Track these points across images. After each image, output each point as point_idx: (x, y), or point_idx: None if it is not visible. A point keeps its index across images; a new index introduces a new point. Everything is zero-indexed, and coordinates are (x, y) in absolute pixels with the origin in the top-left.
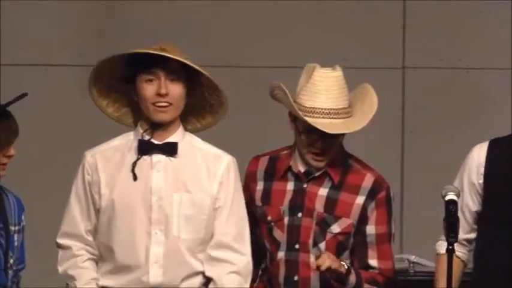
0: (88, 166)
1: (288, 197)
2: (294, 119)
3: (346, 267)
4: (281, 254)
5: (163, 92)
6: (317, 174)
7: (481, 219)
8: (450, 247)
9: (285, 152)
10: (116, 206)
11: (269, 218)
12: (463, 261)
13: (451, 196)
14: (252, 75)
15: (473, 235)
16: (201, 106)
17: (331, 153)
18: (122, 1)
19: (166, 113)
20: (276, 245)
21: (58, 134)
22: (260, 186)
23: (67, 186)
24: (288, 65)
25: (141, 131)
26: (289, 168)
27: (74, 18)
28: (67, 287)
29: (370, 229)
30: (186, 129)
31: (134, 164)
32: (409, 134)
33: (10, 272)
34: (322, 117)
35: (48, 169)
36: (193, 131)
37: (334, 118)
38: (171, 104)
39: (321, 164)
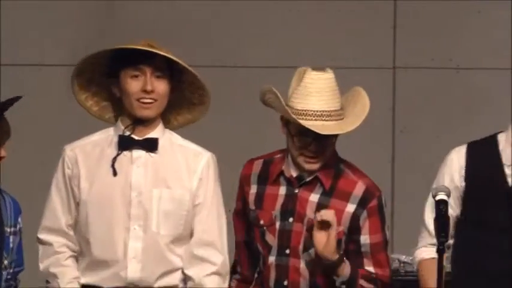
0: (68, 160)
1: (279, 202)
2: (286, 122)
3: (338, 255)
4: (272, 259)
5: (149, 89)
6: (308, 179)
7: (460, 222)
8: (441, 247)
9: (279, 155)
10: (95, 200)
11: (261, 222)
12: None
13: (441, 196)
14: (244, 75)
15: (451, 241)
16: (178, 104)
17: (324, 155)
18: (120, 1)
19: (150, 109)
20: (268, 249)
21: (57, 134)
22: (253, 189)
23: None
24: (278, 65)
25: (122, 126)
26: (282, 173)
27: (72, 18)
28: (47, 284)
29: (365, 239)
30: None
31: (114, 160)
32: (400, 134)
33: (4, 273)
34: (315, 120)
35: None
36: (171, 129)
37: (327, 120)
38: (155, 101)
39: (314, 167)
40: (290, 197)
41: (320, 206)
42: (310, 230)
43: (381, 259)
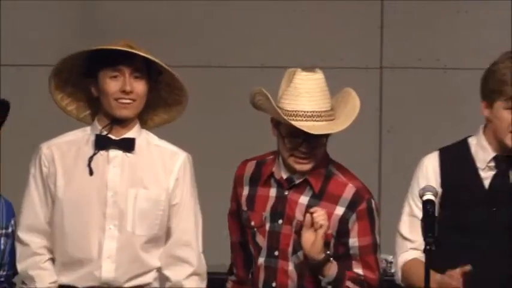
0: (45, 158)
1: (270, 203)
2: (277, 124)
3: (324, 254)
4: (261, 260)
5: (128, 89)
6: (297, 181)
7: (439, 226)
8: (428, 247)
9: (271, 157)
10: (70, 199)
11: (252, 223)
12: None
13: (428, 196)
14: (231, 75)
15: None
16: (155, 104)
17: (315, 156)
18: (101, 1)
19: (128, 109)
20: (258, 250)
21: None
22: (246, 191)
23: None
24: (265, 65)
25: (99, 126)
26: (272, 175)
27: (56, 18)
28: (22, 285)
29: (353, 242)
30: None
31: (91, 159)
32: (387, 134)
33: None
34: (305, 120)
35: None
36: (147, 129)
37: (317, 120)
38: (134, 101)
39: (305, 168)
40: (280, 199)
41: (309, 209)
42: (299, 232)
43: (370, 261)
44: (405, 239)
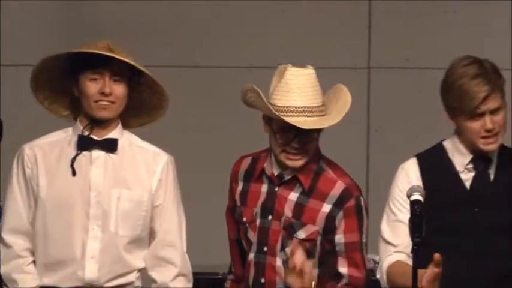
0: (27, 159)
1: (261, 199)
2: (268, 120)
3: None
4: (251, 256)
5: (107, 92)
6: (287, 178)
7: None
8: (415, 247)
9: (265, 153)
10: (53, 200)
11: (244, 218)
12: None
13: (416, 196)
14: (219, 76)
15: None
16: (137, 105)
17: (307, 152)
18: (89, 1)
19: (107, 110)
20: (249, 246)
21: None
22: (240, 186)
23: None
24: (253, 65)
25: (81, 126)
26: (264, 170)
27: (41, 18)
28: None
29: (339, 238)
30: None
31: (73, 159)
32: (375, 133)
33: None
34: (297, 116)
35: None
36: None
37: (308, 116)
38: (113, 103)
39: (297, 164)
40: (270, 195)
41: (298, 205)
42: (286, 228)
43: (356, 259)
44: (388, 243)
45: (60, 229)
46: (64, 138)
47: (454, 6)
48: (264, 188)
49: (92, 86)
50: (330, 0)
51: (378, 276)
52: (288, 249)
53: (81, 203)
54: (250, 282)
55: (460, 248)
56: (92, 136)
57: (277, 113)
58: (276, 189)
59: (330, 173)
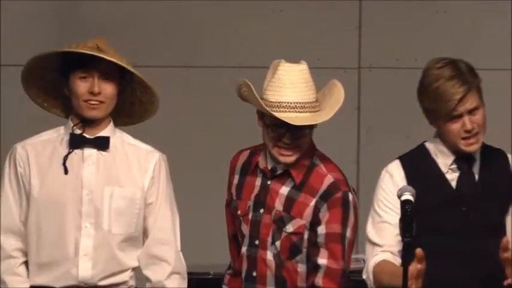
0: (20, 158)
1: (254, 192)
2: (262, 115)
3: None
4: (244, 249)
5: (96, 91)
6: (279, 172)
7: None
8: (405, 247)
9: (262, 147)
10: (46, 198)
11: (239, 212)
12: None
13: (406, 196)
14: (208, 76)
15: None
16: (130, 103)
17: (299, 148)
18: (83, 1)
19: (97, 110)
20: (243, 239)
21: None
22: (236, 180)
23: None
24: (243, 65)
25: (72, 125)
26: (258, 164)
27: (34, 18)
28: None
29: (321, 229)
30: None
31: (65, 158)
32: (365, 134)
33: None
34: (289, 111)
35: None
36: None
37: (301, 112)
38: (102, 102)
39: (289, 159)
40: (263, 189)
41: (289, 199)
42: (276, 222)
43: (335, 250)
44: (374, 244)
45: (53, 228)
46: (56, 137)
47: (444, 6)
48: (258, 181)
49: (81, 85)
50: (320, 0)
51: (364, 276)
52: (278, 243)
53: (74, 201)
54: (243, 275)
55: (450, 249)
56: (84, 134)
57: (268, 109)
58: (269, 182)
59: (321, 168)
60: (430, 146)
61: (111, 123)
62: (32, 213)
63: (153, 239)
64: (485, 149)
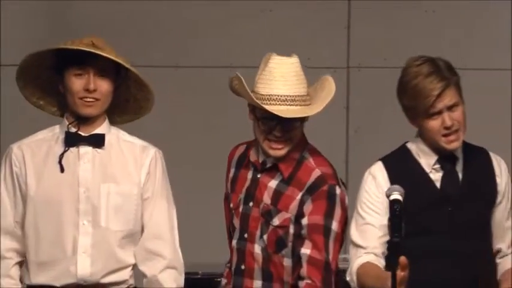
0: (15, 158)
1: (246, 186)
2: (253, 108)
3: None
4: (234, 242)
5: (92, 88)
6: (268, 165)
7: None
8: (394, 247)
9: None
10: (42, 197)
11: (231, 205)
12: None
13: (395, 196)
14: (199, 76)
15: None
16: (125, 100)
17: (290, 141)
18: (73, 1)
19: (92, 107)
20: (234, 232)
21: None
22: (232, 173)
23: None
24: (233, 65)
25: (67, 123)
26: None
27: (25, 18)
28: None
29: (304, 220)
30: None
31: (61, 156)
32: (354, 134)
33: None
34: (279, 104)
35: None
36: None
37: (291, 105)
38: (98, 100)
39: (279, 153)
40: (253, 182)
41: (277, 192)
42: (264, 215)
43: (318, 241)
44: (358, 246)
45: (51, 226)
46: (51, 136)
47: (433, 6)
48: (250, 174)
49: (76, 83)
50: (309, 0)
51: (348, 278)
52: (265, 237)
53: (71, 199)
54: (233, 268)
55: (438, 249)
56: (79, 132)
57: (259, 101)
58: (259, 175)
59: (310, 161)
60: (411, 147)
61: (107, 120)
62: (29, 213)
63: (148, 234)
64: (467, 147)
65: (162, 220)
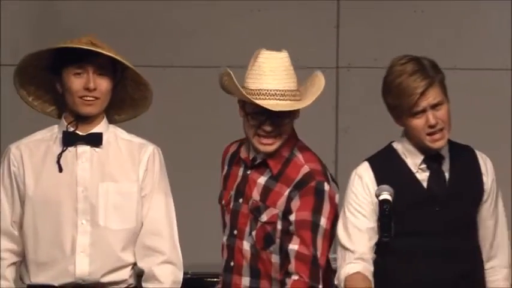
0: (14, 158)
1: (236, 182)
2: (243, 105)
3: None
4: (224, 239)
5: (92, 87)
6: (257, 162)
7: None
8: (383, 246)
9: None
10: (41, 197)
11: (223, 202)
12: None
13: (385, 196)
14: (191, 76)
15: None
16: (121, 99)
17: (280, 136)
18: (61, 1)
19: (92, 106)
20: (224, 229)
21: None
22: (225, 171)
23: None
24: (224, 66)
25: (66, 123)
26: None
27: (8, 17)
28: None
29: (292, 216)
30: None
31: (59, 156)
32: (343, 134)
33: None
34: (269, 99)
35: None
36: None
37: (281, 99)
38: (98, 98)
39: (269, 148)
40: (243, 178)
41: (265, 189)
42: (253, 211)
43: (306, 237)
44: (346, 249)
45: (50, 226)
46: (50, 136)
47: (422, 6)
48: (241, 171)
49: (76, 82)
50: (298, 0)
51: (335, 282)
52: (254, 233)
53: (69, 198)
54: (223, 265)
55: (426, 249)
56: (76, 131)
57: (248, 96)
58: (248, 172)
59: (299, 158)
60: (397, 146)
61: (105, 119)
62: (28, 213)
63: (145, 231)
64: (453, 146)
65: (161, 216)
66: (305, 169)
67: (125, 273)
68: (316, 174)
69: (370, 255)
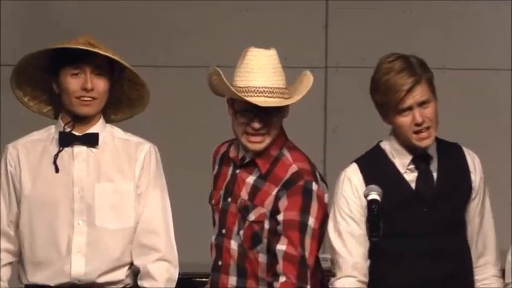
0: (11, 158)
1: (226, 182)
2: (232, 103)
3: None
4: (212, 238)
5: (89, 87)
6: (246, 161)
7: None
8: (373, 246)
9: None
10: (38, 197)
11: (213, 201)
12: None
13: (373, 196)
14: (176, 75)
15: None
16: (118, 99)
17: (268, 134)
18: (55, 1)
19: (89, 106)
20: (213, 228)
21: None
22: (215, 170)
23: None
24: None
25: (62, 123)
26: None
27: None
28: None
29: (280, 216)
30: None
31: (56, 156)
32: (332, 134)
33: None
34: (257, 96)
35: None
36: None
37: (269, 97)
38: (95, 99)
39: (258, 146)
40: (232, 177)
41: (254, 188)
42: (241, 211)
43: (293, 238)
44: (340, 255)
45: (46, 226)
46: (47, 136)
47: (411, 6)
48: (230, 170)
49: (73, 82)
50: (286, 0)
51: (330, 287)
52: (241, 232)
53: (66, 199)
54: (211, 264)
55: (415, 250)
56: (73, 132)
57: (236, 92)
58: (237, 171)
59: (288, 158)
60: (385, 146)
61: (101, 119)
62: (24, 213)
63: (141, 229)
64: (441, 144)
65: (157, 214)
66: (293, 168)
67: (122, 273)
68: (305, 173)
69: (364, 262)
